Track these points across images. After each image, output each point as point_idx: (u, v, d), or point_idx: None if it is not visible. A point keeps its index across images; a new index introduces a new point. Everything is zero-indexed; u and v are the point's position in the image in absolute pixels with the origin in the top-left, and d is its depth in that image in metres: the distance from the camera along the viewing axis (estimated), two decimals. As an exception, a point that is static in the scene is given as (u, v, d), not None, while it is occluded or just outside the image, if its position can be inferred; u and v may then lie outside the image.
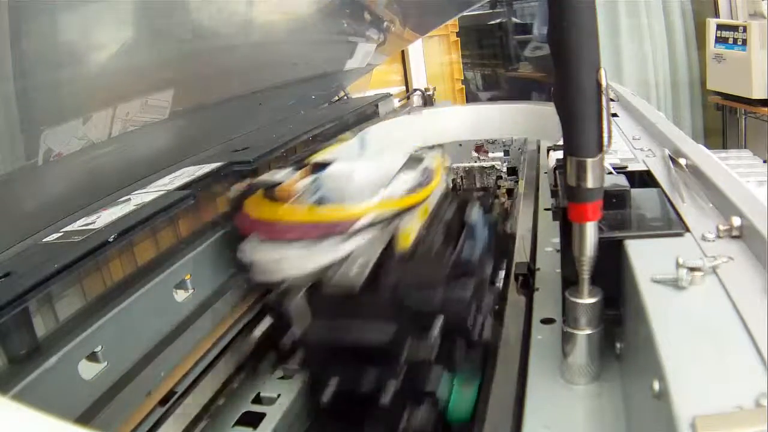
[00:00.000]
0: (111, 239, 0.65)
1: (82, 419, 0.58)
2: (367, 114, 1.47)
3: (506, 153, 1.57)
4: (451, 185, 1.46)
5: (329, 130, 1.22)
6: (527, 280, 0.75)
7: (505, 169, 1.52)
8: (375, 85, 2.02)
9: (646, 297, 0.45)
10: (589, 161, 0.49)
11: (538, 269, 0.75)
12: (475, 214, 0.98)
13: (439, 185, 0.92)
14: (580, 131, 0.49)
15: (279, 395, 0.79)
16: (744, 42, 2.50)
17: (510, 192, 1.45)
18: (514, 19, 4.05)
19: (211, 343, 0.77)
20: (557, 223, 0.63)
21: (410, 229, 0.83)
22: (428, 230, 0.89)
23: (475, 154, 1.55)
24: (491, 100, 4.14)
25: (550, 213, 0.92)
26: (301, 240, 0.74)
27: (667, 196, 0.65)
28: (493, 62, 4.29)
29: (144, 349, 0.68)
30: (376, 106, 1.52)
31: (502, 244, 0.98)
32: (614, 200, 0.61)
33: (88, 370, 0.60)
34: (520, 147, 1.50)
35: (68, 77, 0.71)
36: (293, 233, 0.74)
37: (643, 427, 0.45)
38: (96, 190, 0.83)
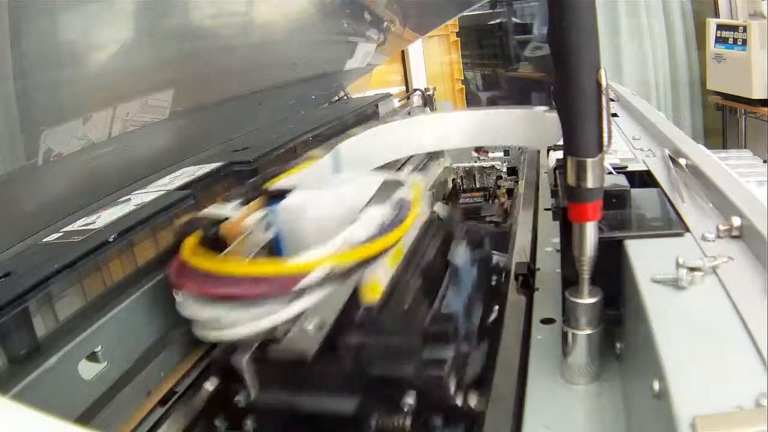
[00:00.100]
0: (111, 239, 0.65)
1: (82, 419, 0.58)
2: (367, 114, 1.47)
3: (506, 153, 1.57)
4: (451, 185, 1.46)
5: (329, 130, 1.22)
6: (527, 280, 0.74)
7: (505, 169, 1.52)
8: (375, 85, 2.03)
9: (646, 297, 0.45)
10: (589, 161, 0.49)
11: (538, 269, 0.75)
12: (461, 252, 0.84)
13: (417, 220, 0.77)
14: (580, 131, 0.49)
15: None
16: (744, 42, 2.50)
17: (510, 192, 1.45)
18: (514, 19, 4.05)
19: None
20: (557, 223, 0.63)
21: (378, 279, 0.70)
22: (402, 277, 0.75)
23: (475, 154, 1.56)
24: (491, 100, 4.15)
25: (550, 213, 0.92)
26: (240, 299, 0.59)
27: (667, 196, 0.65)
28: (493, 62, 4.30)
29: (144, 349, 0.68)
30: (376, 106, 1.52)
31: (496, 287, 0.86)
32: (614, 200, 0.61)
33: (87, 370, 0.60)
34: (520, 147, 1.50)
35: (68, 77, 0.71)
36: (229, 290, 0.60)
37: (643, 427, 0.45)
38: (96, 190, 0.83)
